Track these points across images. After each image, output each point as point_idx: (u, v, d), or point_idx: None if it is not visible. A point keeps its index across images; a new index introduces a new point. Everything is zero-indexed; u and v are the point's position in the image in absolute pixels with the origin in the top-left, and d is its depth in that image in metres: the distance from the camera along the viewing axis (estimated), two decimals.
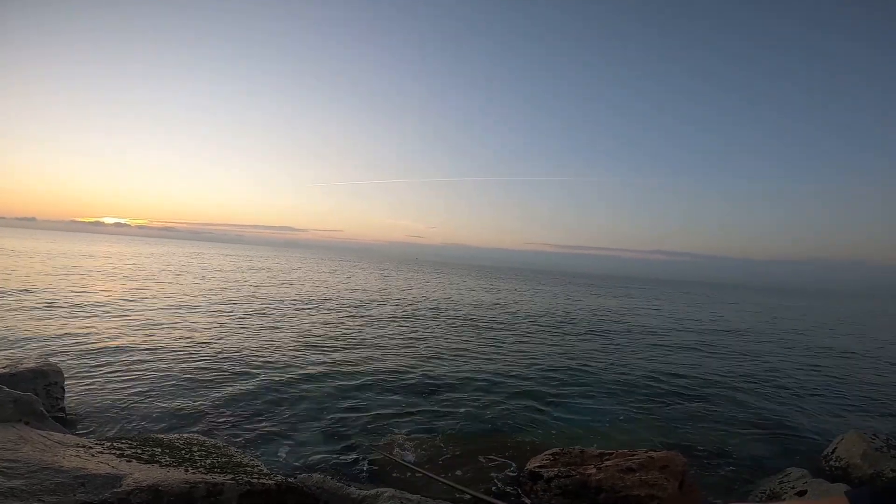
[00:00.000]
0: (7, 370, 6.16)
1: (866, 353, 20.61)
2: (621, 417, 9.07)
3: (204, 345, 11.88)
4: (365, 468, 6.03)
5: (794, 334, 26.51)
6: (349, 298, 27.42)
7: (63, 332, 11.91)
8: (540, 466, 5.59)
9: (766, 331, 27.34)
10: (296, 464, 5.97)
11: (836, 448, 7.13)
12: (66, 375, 7.17)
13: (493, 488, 5.71)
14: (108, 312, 15.46)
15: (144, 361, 9.89)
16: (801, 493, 5.63)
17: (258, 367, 10.22)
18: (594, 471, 5.28)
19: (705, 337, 22.42)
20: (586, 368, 12.96)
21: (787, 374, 14.43)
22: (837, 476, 6.57)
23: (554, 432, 7.91)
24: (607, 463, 5.45)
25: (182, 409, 7.46)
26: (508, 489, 5.73)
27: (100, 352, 10.32)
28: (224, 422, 7.10)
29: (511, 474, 6.08)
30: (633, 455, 5.62)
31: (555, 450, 6.06)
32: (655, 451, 5.86)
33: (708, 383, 12.29)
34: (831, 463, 6.96)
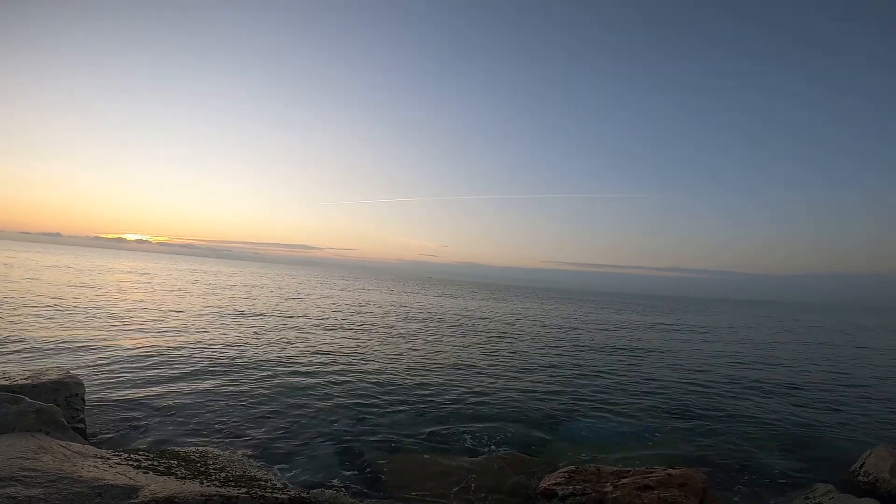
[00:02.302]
0: (29, 381, 6.29)
1: (893, 366, 19.95)
2: (640, 434, 8.87)
3: (222, 359, 11.99)
4: (377, 484, 5.99)
5: (817, 348, 25.79)
6: (358, 312, 27.50)
7: (85, 344, 12.14)
8: (554, 484, 5.49)
9: (789, 345, 26.66)
10: (309, 479, 5.96)
11: (864, 462, 6.90)
12: (86, 387, 7.30)
13: None
14: (130, 326, 15.73)
15: (163, 375, 10.02)
16: None
17: (275, 382, 10.28)
18: (610, 489, 5.18)
19: (722, 352, 21.95)
20: (603, 384, 12.76)
21: (812, 387, 14.02)
22: (865, 491, 6.35)
23: (570, 449, 7.76)
24: (624, 481, 5.34)
25: (198, 422, 7.53)
26: None
27: (120, 364, 10.49)
28: (239, 435, 7.14)
29: (525, 492, 5.97)
30: (651, 472, 5.50)
31: (570, 467, 5.96)
32: (674, 468, 5.74)
33: (729, 398, 12.00)
34: (859, 478, 6.74)
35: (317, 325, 20.13)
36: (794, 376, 15.97)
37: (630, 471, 5.74)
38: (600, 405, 10.58)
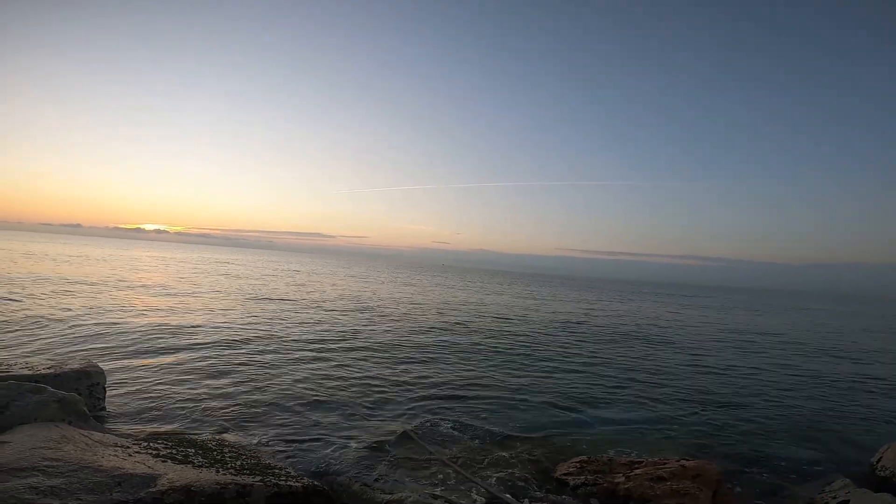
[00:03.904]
0: (52, 371, 6.46)
1: None
2: (653, 423, 8.82)
3: (239, 348, 12.19)
4: (391, 471, 6.05)
5: (834, 338, 25.36)
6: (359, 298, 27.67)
7: (106, 333, 12.42)
8: (566, 474, 5.51)
9: (807, 335, 26.24)
10: (322, 466, 6.05)
11: (881, 457, 6.78)
12: (107, 376, 7.48)
13: (519, 496, 5.65)
14: (149, 315, 16.05)
15: (183, 364, 10.20)
16: (844, 503, 5.38)
17: (291, 370, 10.42)
18: (622, 479, 5.17)
19: (741, 342, 21.70)
20: (616, 372, 12.70)
21: (830, 379, 13.79)
22: (883, 486, 6.26)
23: (583, 439, 7.74)
24: (637, 471, 5.33)
25: (215, 409, 7.67)
26: (534, 497, 5.66)
27: (141, 354, 10.72)
28: (255, 424, 7.26)
29: (537, 481, 5.99)
30: (665, 464, 5.48)
31: (583, 457, 5.97)
32: (688, 459, 5.70)
33: (745, 389, 11.87)
34: (877, 472, 6.63)
35: (329, 314, 20.33)
36: (812, 367, 15.73)
37: (643, 461, 5.73)
38: (613, 394, 10.54)
